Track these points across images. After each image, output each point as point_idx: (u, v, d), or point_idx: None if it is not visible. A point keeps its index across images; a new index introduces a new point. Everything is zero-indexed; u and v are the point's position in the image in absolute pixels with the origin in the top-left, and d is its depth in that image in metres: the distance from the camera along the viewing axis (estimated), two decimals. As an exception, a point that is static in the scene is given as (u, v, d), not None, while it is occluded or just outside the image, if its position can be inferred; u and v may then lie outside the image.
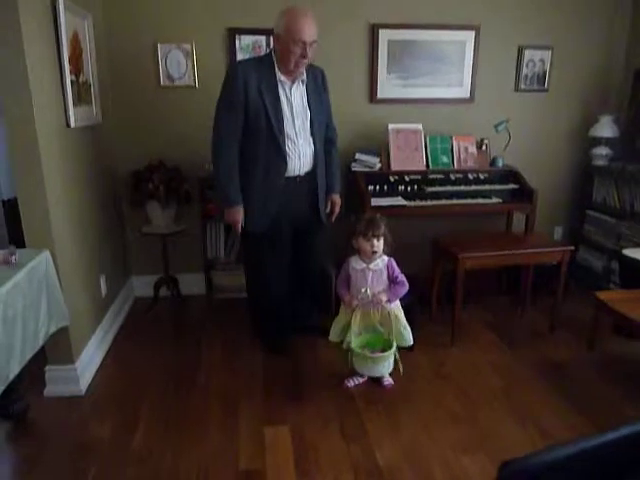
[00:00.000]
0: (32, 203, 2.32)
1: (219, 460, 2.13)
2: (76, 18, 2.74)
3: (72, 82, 2.63)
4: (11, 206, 2.92)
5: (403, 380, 2.66)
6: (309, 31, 2.46)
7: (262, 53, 3.42)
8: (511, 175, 3.67)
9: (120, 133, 3.46)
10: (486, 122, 3.70)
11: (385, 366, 2.55)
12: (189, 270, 3.71)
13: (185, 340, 3.17)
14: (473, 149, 3.67)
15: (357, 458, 2.14)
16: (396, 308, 2.61)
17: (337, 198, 2.92)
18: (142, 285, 3.74)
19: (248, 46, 3.42)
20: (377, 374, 2.60)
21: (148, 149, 3.44)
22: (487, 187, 3.55)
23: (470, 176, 3.60)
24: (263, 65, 2.59)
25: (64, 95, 2.56)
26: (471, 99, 3.79)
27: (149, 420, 2.40)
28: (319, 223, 2.86)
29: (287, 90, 2.60)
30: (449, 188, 3.50)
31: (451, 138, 3.66)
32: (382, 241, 2.51)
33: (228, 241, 3.59)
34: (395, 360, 2.57)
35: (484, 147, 3.70)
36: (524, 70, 3.81)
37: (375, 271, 2.54)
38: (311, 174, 2.74)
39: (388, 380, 2.66)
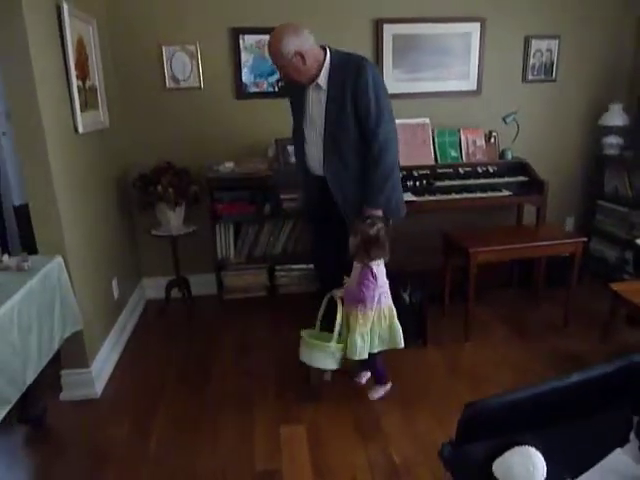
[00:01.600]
0: (43, 210, 2.33)
1: (236, 460, 2.15)
2: (81, 23, 2.75)
3: (79, 88, 2.64)
4: (23, 212, 2.94)
5: (417, 376, 2.66)
6: (273, 57, 2.43)
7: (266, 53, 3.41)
8: (520, 167, 3.63)
9: (128, 136, 3.47)
10: (494, 114, 3.66)
11: (322, 359, 2.44)
12: (200, 271, 3.72)
13: (197, 341, 3.18)
14: (481, 142, 3.64)
15: (374, 456, 2.14)
16: (387, 308, 2.47)
17: (370, 212, 2.54)
18: (154, 287, 3.75)
19: (252, 45, 3.41)
20: (316, 364, 2.48)
21: (156, 151, 3.45)
22: (496, 180, 3.52)
23: (479, 169, 3.57)
24: None
25: (71, 101, 2.57)
26: (478, 91, 3.77)
27: (165, 421, 2.42)
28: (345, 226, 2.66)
29: (309, 93, 2.57)
30: (458, 182, 3.48)
31: (459, 131, 3.64)
32: (352, 239, 2.37)
33: (238, 241, 3.60)
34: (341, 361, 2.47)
35: (492, 140, 3.67)
36: (531, 60, 3.77)
37: (356, 268, 2.46)
38: (324, 180, 2.63)
39: (363, 376, 2.68)
